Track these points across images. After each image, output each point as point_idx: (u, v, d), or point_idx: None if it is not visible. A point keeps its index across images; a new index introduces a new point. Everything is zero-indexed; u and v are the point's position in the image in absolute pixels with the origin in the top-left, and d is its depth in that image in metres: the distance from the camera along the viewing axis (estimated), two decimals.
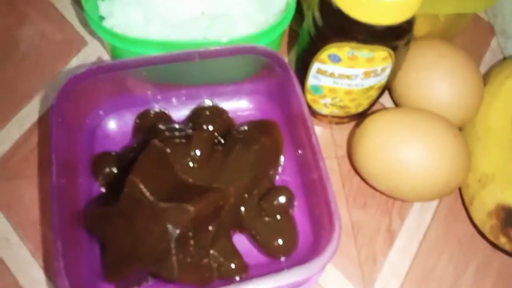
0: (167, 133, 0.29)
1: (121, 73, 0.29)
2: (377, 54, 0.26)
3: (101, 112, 0.31)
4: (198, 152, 0.27)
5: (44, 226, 0.29)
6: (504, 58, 0.38)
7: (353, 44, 0.26)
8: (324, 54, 0.27)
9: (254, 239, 0.28)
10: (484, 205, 0.28)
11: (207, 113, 0.32)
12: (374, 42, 0.26)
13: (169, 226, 0.23)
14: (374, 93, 0.30)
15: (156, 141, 0.26)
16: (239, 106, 0.33)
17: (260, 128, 0.31)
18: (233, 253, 0.27)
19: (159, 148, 0.26)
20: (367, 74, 0.28)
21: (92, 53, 0.36)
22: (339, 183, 0.32)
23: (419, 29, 0.35)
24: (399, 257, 0.30)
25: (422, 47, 0.31)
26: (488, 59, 0.37)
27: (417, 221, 0.31)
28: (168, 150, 0.27)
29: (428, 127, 0.28)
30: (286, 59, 0.37)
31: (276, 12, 0.33)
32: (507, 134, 0.30)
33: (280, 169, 0.30)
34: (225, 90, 0.33)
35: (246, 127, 0.31)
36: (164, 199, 0.24)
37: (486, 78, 0.33)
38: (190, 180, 0.27)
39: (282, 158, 0.31)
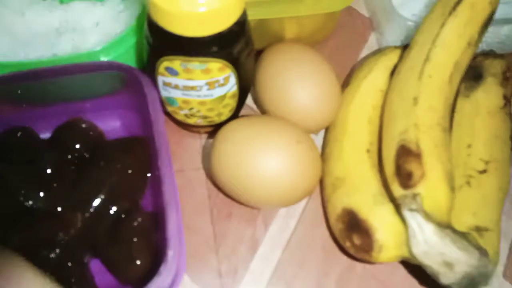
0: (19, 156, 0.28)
1: None
2: (210, 65, 0.26)
3: None
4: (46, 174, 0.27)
5: None
6: None
7: (182, 58, 0.25)
8: (161, 67, 0.27)
9: (105, 265, 0.27)
10: (334, 209, 0.28)
11: (73, 130, 0.31)
12: (200, 54, 0.25)
13: None
14: (230, 101, 0.30)
15: None
16: (108, 122, 0.32)
17: (125, 145, 0.30)
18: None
19: None
20: (211, 85, 0.27)
21: None
22: (205, 194, 0.31)
23: (287, 32, 0.35)
24: (260, 266, 0.29)
25: (277, 51, 0.31)
26: (364, 55, 0.37)
27: (281, 227, 0.31)
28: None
29: (271, 136, 0.27)
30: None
31: (131, 21, 0.32)
32: (363, 136, 0.30)
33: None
34: (92, 106, 0.32)
35: (109, 145, 0.31)
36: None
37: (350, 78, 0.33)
38: (32, 204, 0.26)
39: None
